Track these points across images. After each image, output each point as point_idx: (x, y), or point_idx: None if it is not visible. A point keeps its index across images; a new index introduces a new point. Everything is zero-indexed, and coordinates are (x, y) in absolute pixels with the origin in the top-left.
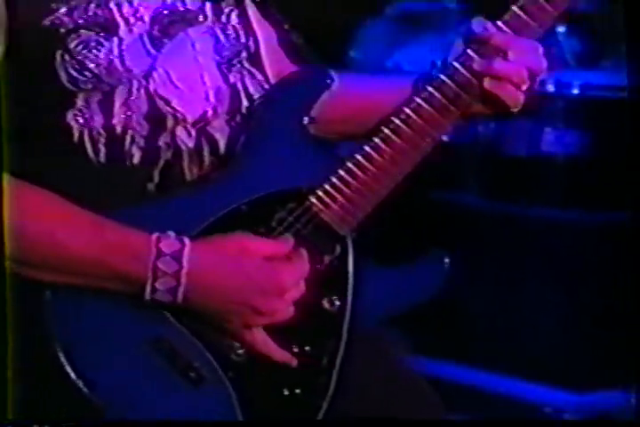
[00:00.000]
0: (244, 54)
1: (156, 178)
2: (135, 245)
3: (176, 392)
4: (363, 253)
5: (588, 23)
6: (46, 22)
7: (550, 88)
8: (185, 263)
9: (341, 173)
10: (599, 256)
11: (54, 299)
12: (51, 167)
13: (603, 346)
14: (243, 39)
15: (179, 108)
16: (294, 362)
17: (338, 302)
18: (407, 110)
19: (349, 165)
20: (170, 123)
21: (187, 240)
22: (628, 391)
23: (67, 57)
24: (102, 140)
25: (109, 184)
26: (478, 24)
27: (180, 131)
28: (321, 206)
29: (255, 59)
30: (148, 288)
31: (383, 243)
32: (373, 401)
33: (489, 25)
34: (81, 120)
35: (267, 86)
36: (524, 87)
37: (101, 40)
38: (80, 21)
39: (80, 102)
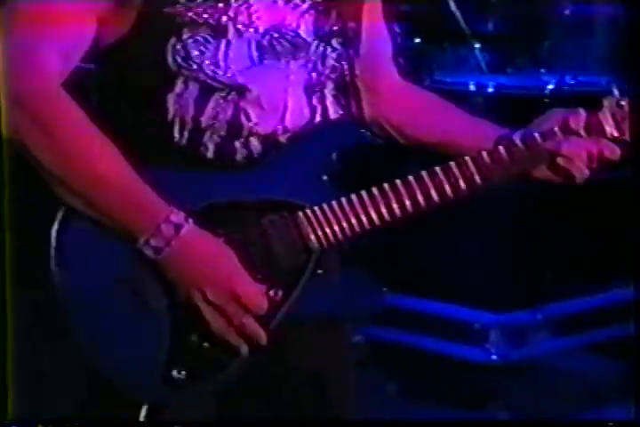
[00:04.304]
0: (334, 81)
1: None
2: (153, 204)
3: (130, 318)
4: (320, 267)
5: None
6: (168, 10)
7: (472, 88)
8: (182, 234)
9: (343, 200)
10: (518, 208)
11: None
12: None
13: (516, 277)
14: (338, 68)
15: (256, 125)
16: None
17: (280, 293)
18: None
19: (352, 196)
20: (245, 133)
21: (190, 220)
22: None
23: (178, 45)
24: (188, 127)
25: (183, 161)
26: (577, 116)
27: (252, 139)
28: (304, 220)
29: (345, 85)
30: (142, 240)
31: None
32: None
33: (583, 116)
34: (177, 105)
35: (343, 111)
36: (593, 166)
37: (209, 39)
38: (195, 17)
39: (179, 89)
